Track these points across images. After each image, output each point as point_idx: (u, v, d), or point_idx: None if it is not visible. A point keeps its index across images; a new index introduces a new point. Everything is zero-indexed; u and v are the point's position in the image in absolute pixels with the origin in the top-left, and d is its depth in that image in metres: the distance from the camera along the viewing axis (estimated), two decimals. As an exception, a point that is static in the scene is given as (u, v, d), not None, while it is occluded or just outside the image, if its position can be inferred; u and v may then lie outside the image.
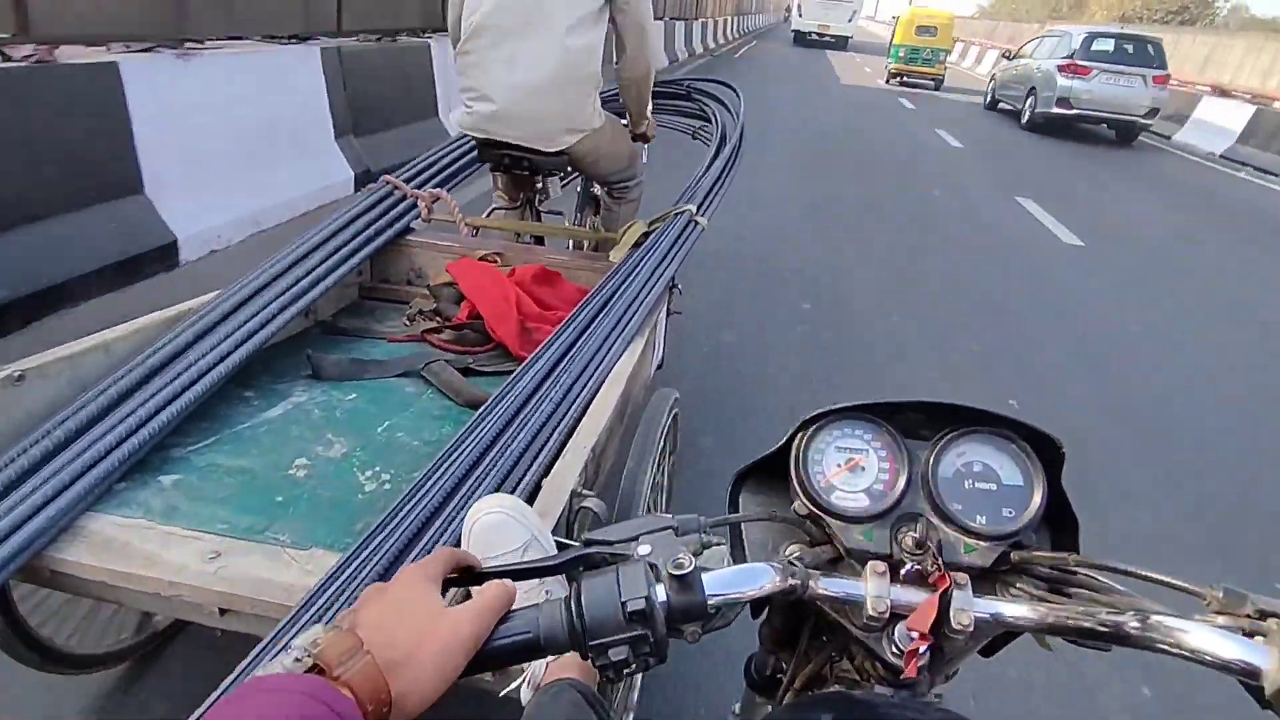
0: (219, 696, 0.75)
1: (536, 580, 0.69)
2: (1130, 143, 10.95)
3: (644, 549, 0.50)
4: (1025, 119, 11.24)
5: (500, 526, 0.81)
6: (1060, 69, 10.48)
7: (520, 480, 1.06)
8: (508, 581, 0.50)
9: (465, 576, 0.52)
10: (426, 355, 1.60)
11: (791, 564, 0.56)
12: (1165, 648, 0.47)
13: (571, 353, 1.38)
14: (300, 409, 1.36)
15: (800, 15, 25.35)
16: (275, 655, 0.45)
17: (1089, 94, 10.25)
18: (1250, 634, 0.45)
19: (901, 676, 0.53)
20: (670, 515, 0.54)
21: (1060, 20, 26.78)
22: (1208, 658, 0.45)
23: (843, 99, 12.71)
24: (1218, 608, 0.48)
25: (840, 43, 25.71)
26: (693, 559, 0.48)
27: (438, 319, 1.76)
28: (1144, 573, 0.53)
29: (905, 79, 16.41)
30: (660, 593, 0.46)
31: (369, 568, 0.90)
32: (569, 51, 1.80)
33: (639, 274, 1.66)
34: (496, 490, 1.03)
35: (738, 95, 2.87)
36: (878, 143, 8.75)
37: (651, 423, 1.28)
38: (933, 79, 16.31)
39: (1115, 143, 10.94)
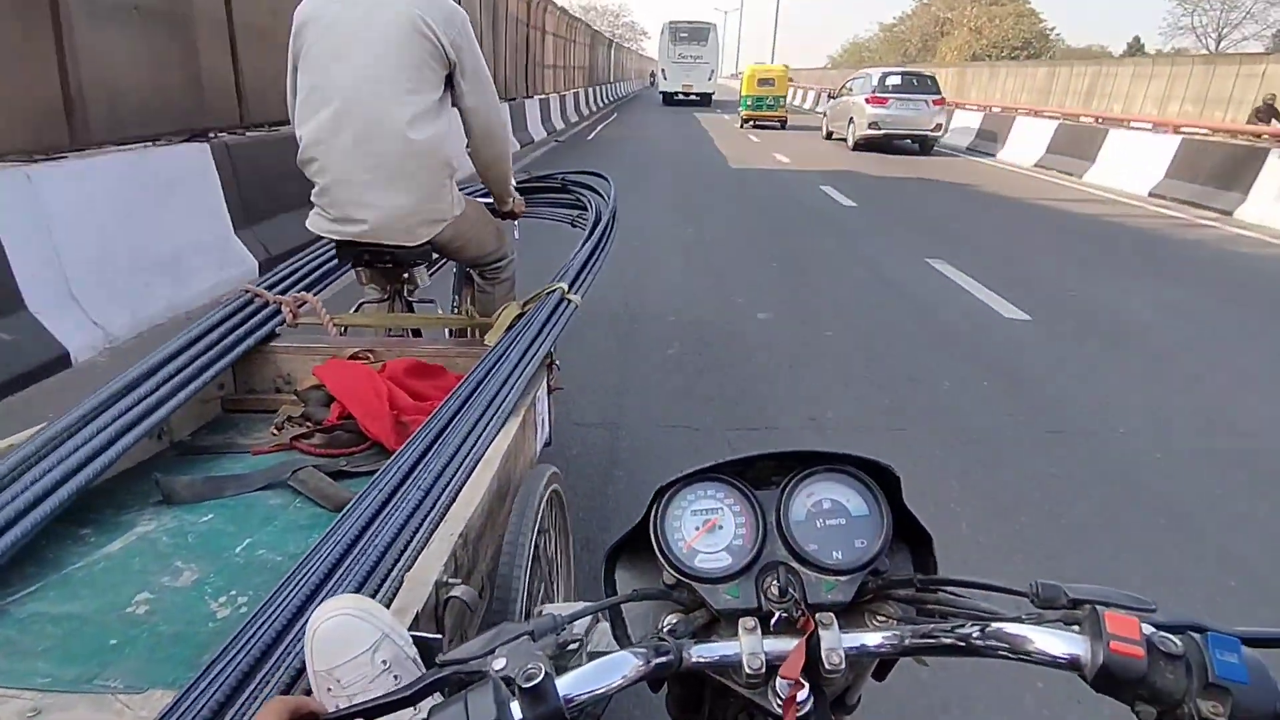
0: None
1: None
2: (929, 152, 14.87)
3: (499, 663, 0.49)
4: (851, 143, 15.08)
5: (344, 630, 0.75)
6: (867, 100, 14.49)
7: (384, 579, 1.00)
8: None
9: None
10: (294, 463, 1.51)
11: (662, 639, 0.56)
12: (1005, 654, 0.50)
13: (441, 439, 1.34)
14: (145, 539, 1.25)
15: (665, 79, 29.36)
16: None
17: (890, 117, 14.22)
18: (1069, 623, 0.49)
19: None
20: (530, 620, 0.54)
21: (911, 63, 30.59)
22: (1038, 657, 0.48)
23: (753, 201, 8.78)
24: (1040, 603, 0.51)
25: (705, 99, 29.14)
26: (544, 665, 0.47)
27: (307, 424, 1.68)
28: (974, 580, 0.58)
29: (756, 123, 20.22)
30: (515, 710, 0.45)
31: (207, 699, 0.81)
32: (413, 145, 1.81)
33: (511, 354, 1.65)
34: (357, 591, 0.97)
35: (608, 182, 3.03)
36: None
37: (526, 502, 1.24)
38: (778, 120, 20.27)
39: (919, 152, 14.75)
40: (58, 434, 1.31)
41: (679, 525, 0.62)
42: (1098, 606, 0.47)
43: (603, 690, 0.50)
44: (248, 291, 1.95)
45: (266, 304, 1.94)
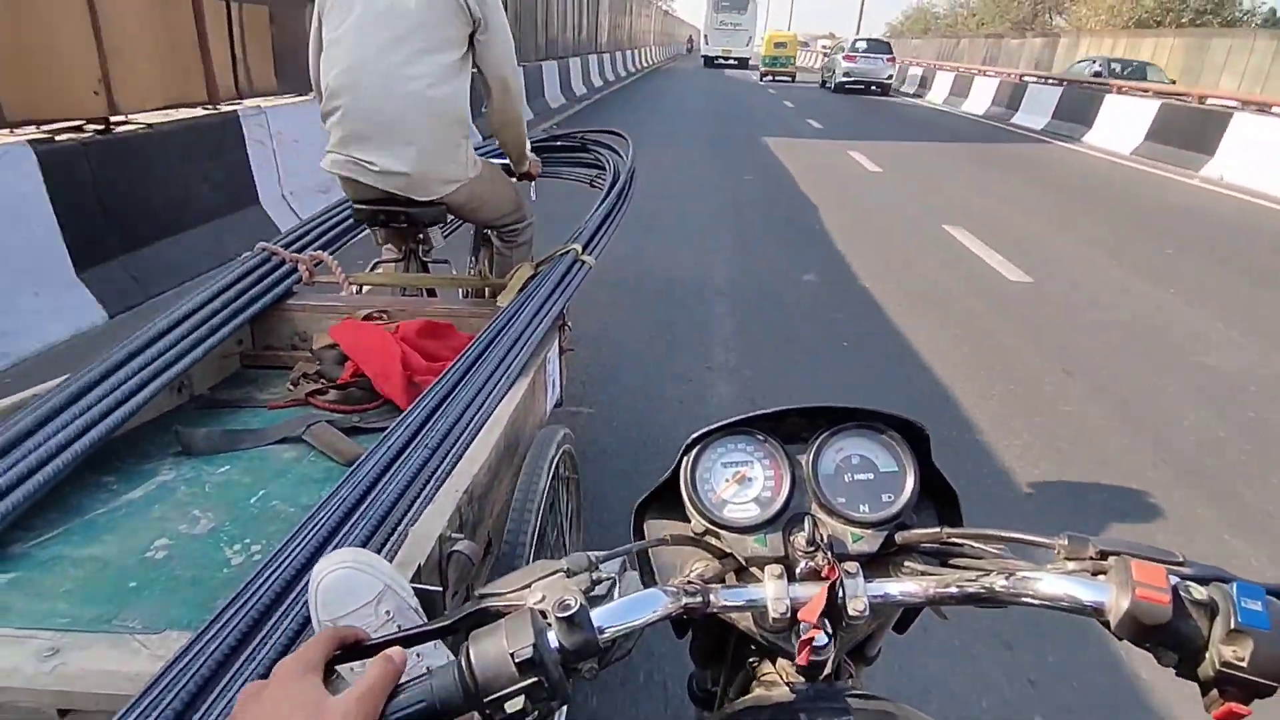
0: None
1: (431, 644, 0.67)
2: (886, 94, 21.19)
3: (534, 596, 0.51)
4: (831, 86, 22.48)
5: (346, 581, 0.77)
6: (843, 58, 21.84)
7: (391, 533, 1.03)
8: (395, 651, 0.49)
9: (355, 652, 0.50)
10: (309, 418, 1.54)
11: (691, 583, 0.58)
12: (1030, 601, 0.51)
13: (450, 398, 1.35)
14: (165, 488, 1.29)
15: (707, 44, 33.11)
16: None
17: (857, 70, 21.27)
18: (1095, 573, 0.50)
19: (796, 666, 0.55)
20: (565, 559, 0.55)
21: (1032, 32, 28.51)
22: (1064, 603, 0.49)
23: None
24: (1065, 554, 0.52)
25: (742, 63, 32.48)
26: (579, 598, 0.49)
27: (322, 380, 1.71)
28: (1002, 533, 0.58)
29: (774, 78, 26.93)
30: (551, 638, 0.47)
31: (220, 642, 0.85)
32: (432, 103, 1.81)
33: (522, 315, 1.66)
34: (364, 544, 0.99)
35: (627, 141, 3.00)
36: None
37: (536, 461, 1.26)
38: (789, 75, 27.35)
39: (877, 94, 21.14)
40: (83, 385, 1.35)
41: (709, 476, 0.64)
42: (1126, 555, 0.48)
43: (634, 624, 0.51)
44: (265, 249, 1.97)
45: (284, 262, 1.96)
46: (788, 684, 0.61)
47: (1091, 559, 0.51)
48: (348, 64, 1.83)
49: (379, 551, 0.98)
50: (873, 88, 21.53)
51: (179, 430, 1.42)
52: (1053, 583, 0.50)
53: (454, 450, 1.21)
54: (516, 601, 0.52)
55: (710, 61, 32.28)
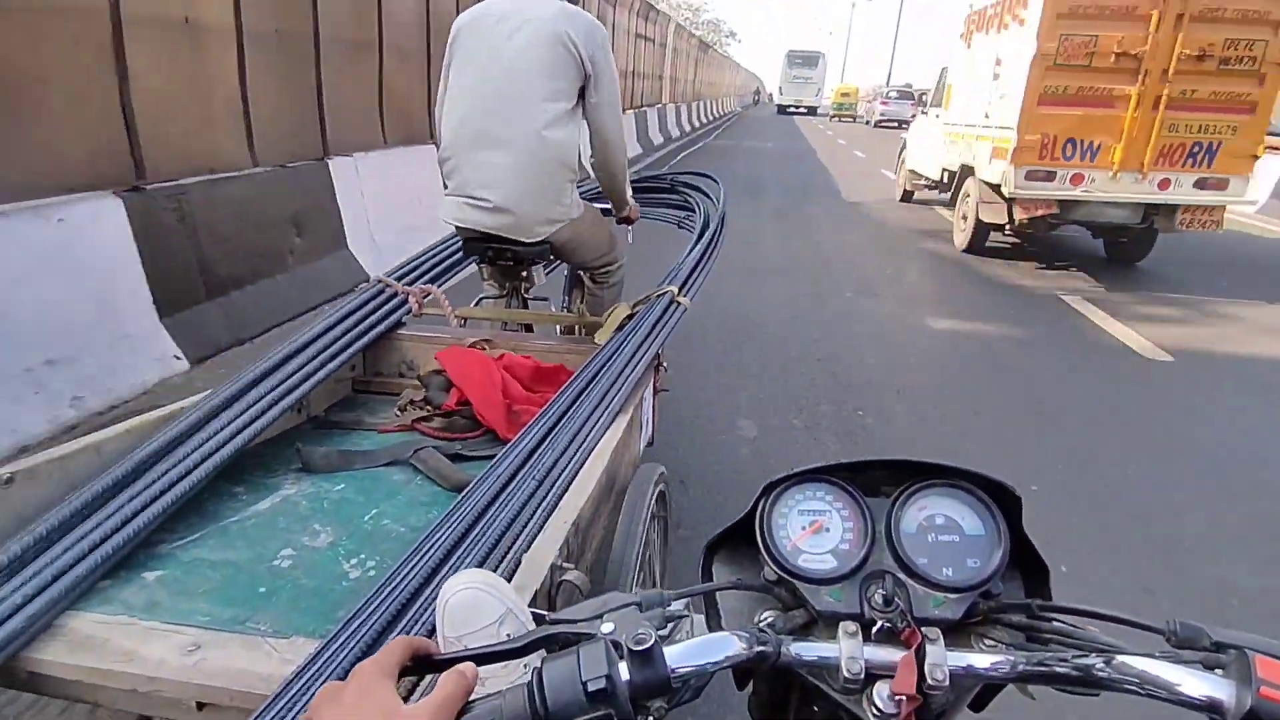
0: None
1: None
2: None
3: (607, 627, 0.50)
4: (871, 124, 32.47)
5: (473, 602, 0.80)
6: (880, 103, 32.56)
7: (503, 557, 1.06)
8: (467, 667, 0.49)
9: (424, 664, 0.51)
10: (416, 443, 1.61)
11: (762, 631, 0.56)
12: (1133, 688, 0.47)
13: (555, 432, 1.40)
14: (288, 501, 1.37)
15: (781, 94, 39.89)
16: None
17: (889, 111, 30.54)
18: (1208, 666, 0.47)
19: None
20: (636, 592, 0.55)
21: None
22: (1175, 695, 0.46)
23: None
24: (1176, 643, 0.49)
25: (811, 110, 39.37)
26: (654, 634, 0.48)
27: (428, 407, 1.79)
28: (1105, 612, 0.55)
29: (840, 119, 34.07)
30: (622, 670, 0.46)
31: (347, 652, 0.89)
32: (545, 148, 1.92)
33: (621, 354, 1.70)
34: (479, 567, 1.03)
35: (718, 184, 3.03)
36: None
37: (637, 497, 1.28)
38: (851, 116, 35.08)
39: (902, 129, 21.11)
40: (218, 404, 1.46)
41: (785, 523, 0.62)
42: (1247, 651, 0.45)
43: (706, 665, 0.50)
44: (380, 282, 2.09)
45: (395, 294, 2.07)
46: None
47: (1206, 649, 0.47)
48: (468, 110, 1.96)
49: (492, 576, 1.02)
50: (901, 124, 25.67)
51: (300, 449, 1.51)
52: (1161, 669, 0.46)
53: (559, 482, 1.25)
54: (588, 630, 0.51)
55: (783, 110, 39.22)
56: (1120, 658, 0.48)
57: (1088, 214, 5.69)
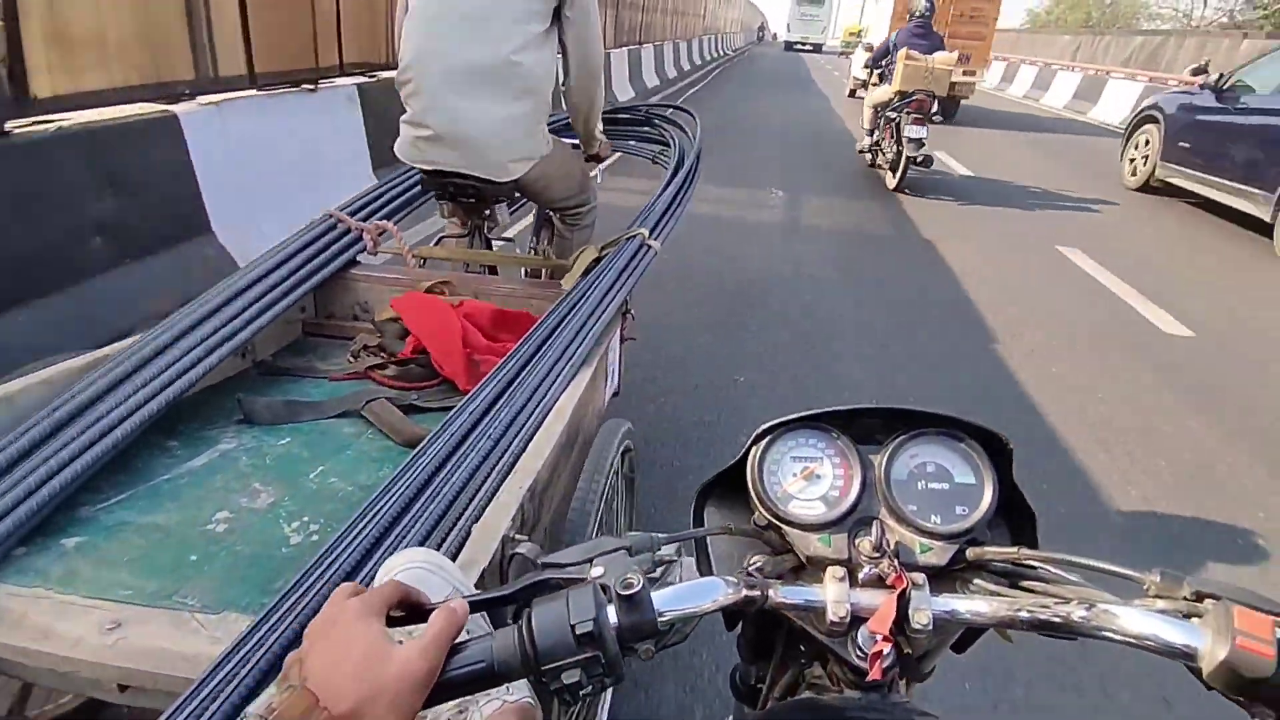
0: None
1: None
2: None
3: (597, 571, 0.51)
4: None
5: (417, 582, 0.74)
6: (865, 49, 22.07)
7: (452, 526, 1.00)
8: (458, 604, 0.49)
9: (415, 613, 0.51)
10: (368, 393, 1.52)
11: (750, 575, 0.58)
12: (1110, 635, 0.48)
13: (515, 385, 1.32)
14: (227, 457, 1.28)
15: (789, 31, 40.44)
16: None
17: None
18: (1187, 615, 0.47)
19: (866, 679, 0.54)
20: (627, 536, 0.55)
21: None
22: (1149, 642, 0.46)
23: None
24: (1156, 591, 0.49)
25: (817, 48, 39.50)
26: (642, 578, 0.49)
27: (383, 355, 1.69)
28: (1087, 562, 0.55)
29: (845, 56, 31.02)
30: (611, 613, 0.48)
31: (280, 631, 0.83)
32: (516, 75, 1.76)
33: (588, 300, 1.61)
34: (426, 537, 0.97)
35: (694, 119, 2.89)
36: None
37: (600, 455, 1.22)
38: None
39: None
40: (150, 350, 1.35)
41: (777, 469, 0.63)
42: (1226, 601, 0.45)
43: (693, 610, 0.51)
44: (331, 216, 1.95)
45: (349, 230, 1.94)
46: (838, 690, 0.60)
47: (1186, 599, 0.48)
48: (428, 30, 1.78)
49: (440, 547, 0.96)
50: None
51: (241, 399, 1.41)
52: (1139, 619, 0.47)
53: (516, 442, 1.18)
54: (578, 575, 0.52)
55: (790, 46, 40.25)
56: (1100, 606, 0.49)
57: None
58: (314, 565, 0.91)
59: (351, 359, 1.72)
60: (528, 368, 1.37)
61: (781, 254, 4.71)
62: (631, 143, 3.10)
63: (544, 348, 1.44)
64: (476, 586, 0.84)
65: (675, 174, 2.36)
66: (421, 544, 0.95)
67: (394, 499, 1.02)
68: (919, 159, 6.17)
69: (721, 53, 27.64)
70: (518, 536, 0.96)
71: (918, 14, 6.68)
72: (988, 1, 11.97)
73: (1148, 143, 7.31)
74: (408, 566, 0.77)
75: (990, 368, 3.30)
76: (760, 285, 4.10)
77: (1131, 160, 7.60)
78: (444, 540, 0.97)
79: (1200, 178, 6.42)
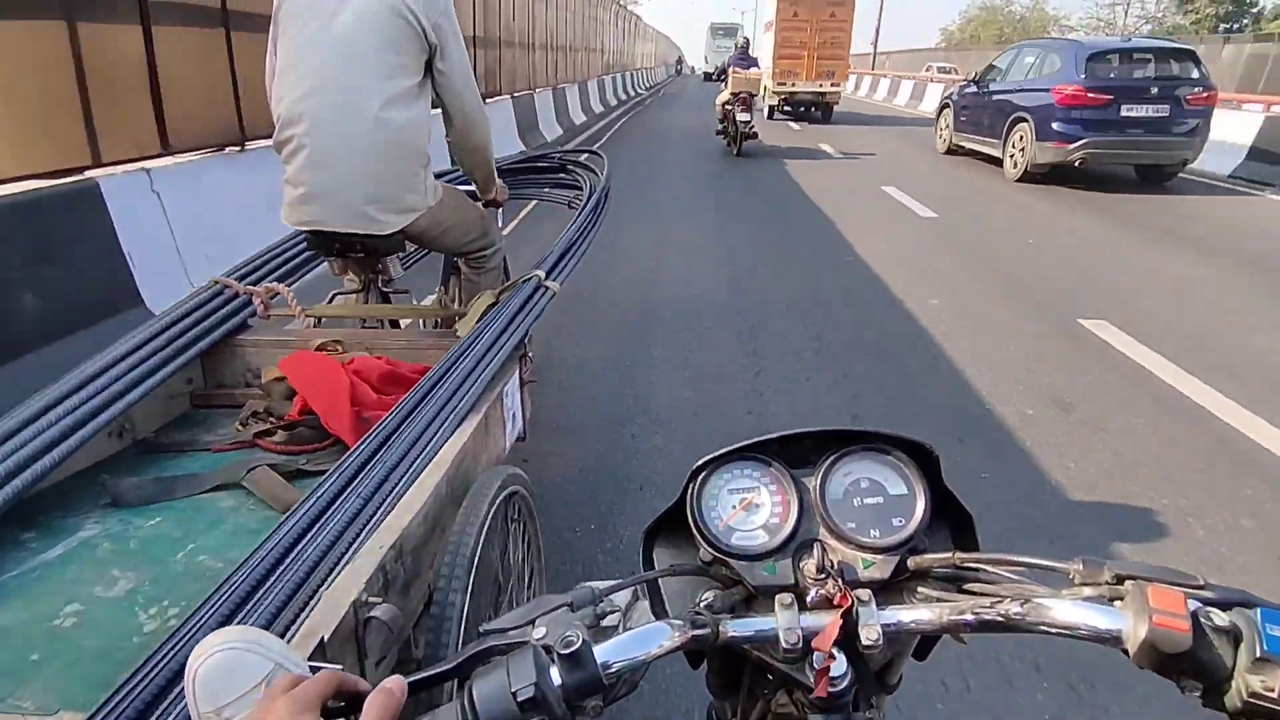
0: None
1: None
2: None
3: (539, 632, 0.50)
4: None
5: (228, 664, 0.69)
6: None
7: (311, 597, 0.95)
8: (395, 683, 0.48)
9: (354, 703, 0.49)
10: (251, 461, 1.46)
11: (699, 614, 0.57)
12: (1046, 628, 0.49)
13: (393, 439, 1.28)
14: (86, 545, 1.21)
15: (706, 63, 44.21)
16: None
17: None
18: (1111, 600, 0.48)
19: (812, 696, 0.54)
20: (567, 592, 0.54)
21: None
22: (1081, 630, 0.47)
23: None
24: (1080, 580, 0.51)
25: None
26: (582, 633, 0.48)
27: (270, 419, 1.64)
28: (1015, 558, 0.56)
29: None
30: (554, 675, 0.47)
31: (107, 731, 0.77)
32: (386, 132, 1.75)
33: (478, 345, 1.59)
34: (277, 613, 0.92)
35: (602, 159, 2.95)
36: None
37: (472, 508, 1.18)
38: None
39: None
40: (7, 430, 1.27)
41: (715, 503, 0.63)
42: (1141, 581, 0.47)
43: (639, 658, 0.51)
44: (218, 283, 1.90)
45: (237, 295, 1.89)
46: (804, 715, 0.60)
47: (1108, 584, 0.49)
48: (302, 91, 1.77)
49: (294, 620, 0.91)
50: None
51: (105, 480, 1.34)
52: (1068, 610, 0.48)
53: (388, 499, 1.14)
54: (520, 639, 0.51)
55: (709, 77, 43.10)
56: (1034, 600, 0.50)
57: (797, 98, 16.57)
58: (151, 656, 0.86)
59: (240, 427, 1.65)
60: (408, 419, 1.34)
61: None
62: (546, 189, 3.13)
63: (428, 396, 1.41)
64: (318, 658, 0.80)
65: (579, 214, 2.38)
66: (273, 619, 0.90)
67: (249, 573, 0.96)
68: (749, 133, 10.47)
69: (634, 92, 26.02)
70: (372, 600, 0.92)
71: (739, 46, 11.65)
72: (843, 33, 16.31)
73: (946, 124, 11.22)
74: (216, 649, 0.71)
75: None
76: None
77: (941, 134, 11.48)
78: (300, 612, 0.92)
79: (971, 138, 10.35)
